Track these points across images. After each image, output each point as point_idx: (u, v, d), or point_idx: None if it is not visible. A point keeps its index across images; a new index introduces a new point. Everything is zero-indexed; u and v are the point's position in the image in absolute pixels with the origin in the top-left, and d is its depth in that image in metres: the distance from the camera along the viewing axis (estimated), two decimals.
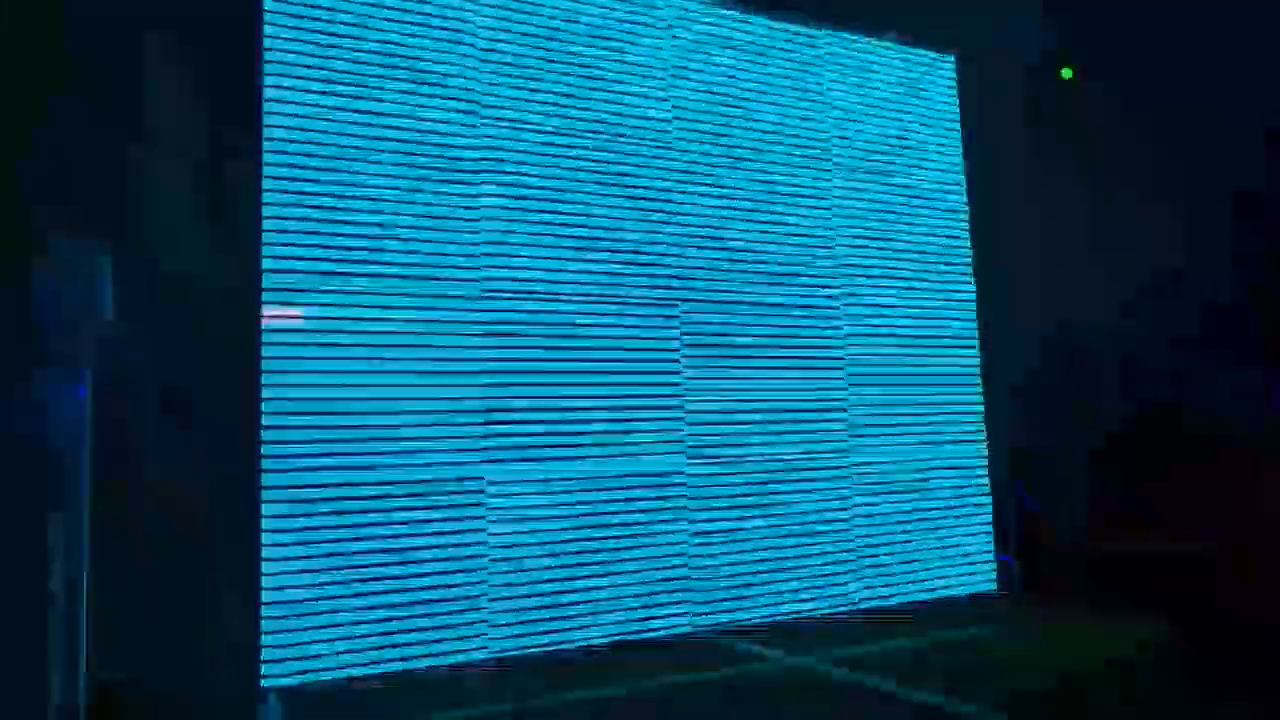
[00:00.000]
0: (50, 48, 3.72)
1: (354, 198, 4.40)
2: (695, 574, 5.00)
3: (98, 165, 3.69)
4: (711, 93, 5.39)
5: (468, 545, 4.44)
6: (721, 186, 5.35)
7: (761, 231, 5.43)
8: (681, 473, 5.03)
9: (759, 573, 5.17)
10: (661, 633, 4.87)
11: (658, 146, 5.19)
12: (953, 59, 6.29)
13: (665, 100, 5.24)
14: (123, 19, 3.85)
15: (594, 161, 5.00)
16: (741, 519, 5.16)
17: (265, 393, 4.13)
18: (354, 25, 4.48)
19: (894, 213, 5.92)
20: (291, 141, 4.30)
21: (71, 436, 3.03)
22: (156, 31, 3.93)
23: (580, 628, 4.66)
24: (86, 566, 2.88)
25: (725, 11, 5.49)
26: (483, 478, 4.52)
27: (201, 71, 4.03)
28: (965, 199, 6.19)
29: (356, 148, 4.43)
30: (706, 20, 5.44)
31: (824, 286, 5.59)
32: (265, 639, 4.01)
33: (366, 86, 4.48)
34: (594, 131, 5.01)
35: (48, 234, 2.99)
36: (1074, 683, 4.02)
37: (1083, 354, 6.30)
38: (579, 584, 4.68)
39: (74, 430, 3.04)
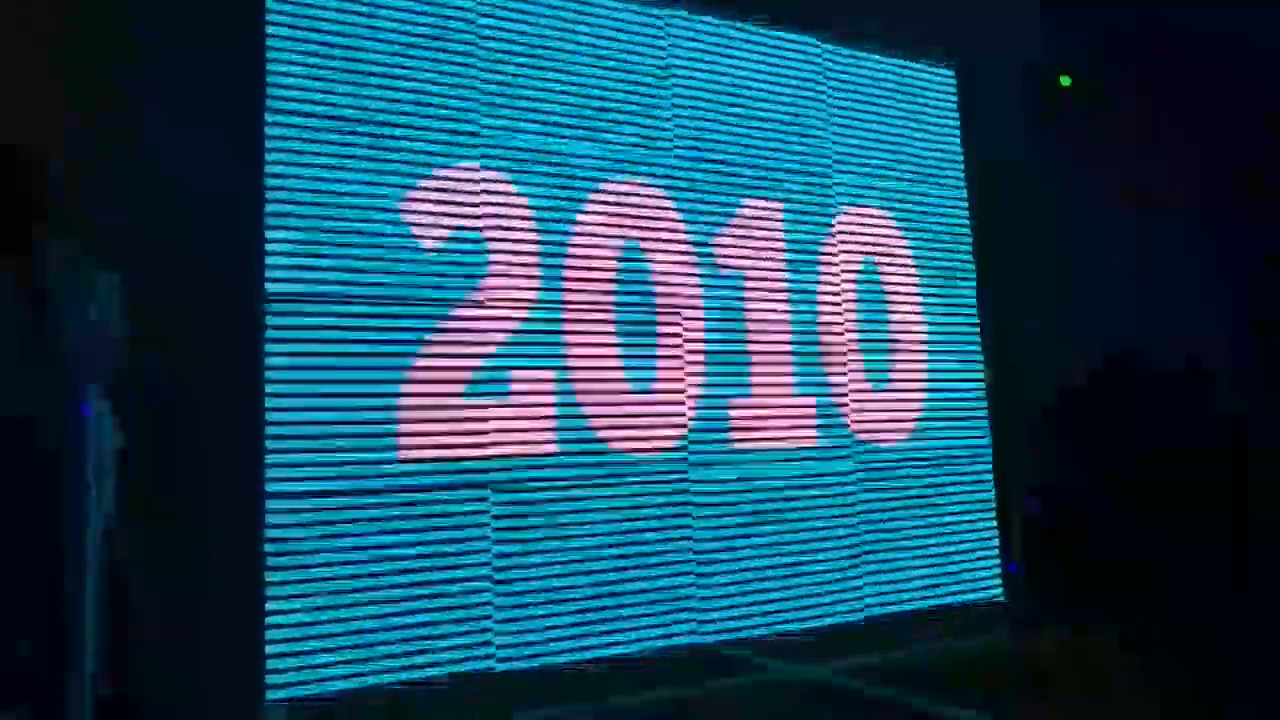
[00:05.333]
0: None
1: (354, 208, 4.39)
2: (699, 585, 4.98)
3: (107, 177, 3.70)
4: (710, 104, 5.40)
5: (473, 561, 4.42)
6: (721, 198, 5.35)
7: (764, 243, 5.43)
8: (685, 487, 5.02)
9: (762, 584, 5.15)
10: (664, 644, 4.84)
11: (655, 159, 5.19)
12: (953, 71, 6.31)
13: (666, 111, 5.25)
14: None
15: (592, 173, 5.00)
16: (746, 528, 5.14)
17: (269, 403, 4.10)
18: (354, 46, 4.49)
19: (897, 224, 5.92)
20: (294, 151, 4.30)
21: (74, 449, 3.01)
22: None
23: (583, 641, 4.63)
24: (91, 579, 2.86)
25: (721, 23, 5.49)
26: (487, 485, 4.51)
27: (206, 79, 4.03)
28: (968, 209, 6.19)
29: (356, 156, 4.42)
30: (703, 31, 5.45)
31: (827, 298, 5.59)
32: (270, 650, 3.98)
33: (366, 95, 4.48)
34: (590, 155, 5.01)
35: (58, 245, 2.97)
36: (1077, 693, 4.00)
37: (1087, 361, 6.31)
38: (583, 596, 4.66)
39: (77, 442, 3.01)
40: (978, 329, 6.10)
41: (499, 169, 4.73)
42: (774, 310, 5.40)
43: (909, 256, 5.94)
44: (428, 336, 4.47)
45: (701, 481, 5.05)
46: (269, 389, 4.11)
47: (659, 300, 5.08)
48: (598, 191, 4.98)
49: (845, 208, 5.74)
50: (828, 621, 5.27)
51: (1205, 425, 6.07)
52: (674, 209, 5.19)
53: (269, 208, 4.21)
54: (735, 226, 5.36)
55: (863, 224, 5.80)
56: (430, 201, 4.55)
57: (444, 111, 4.63)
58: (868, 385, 5.65)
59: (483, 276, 4.63)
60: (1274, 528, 5.69)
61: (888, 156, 5.95)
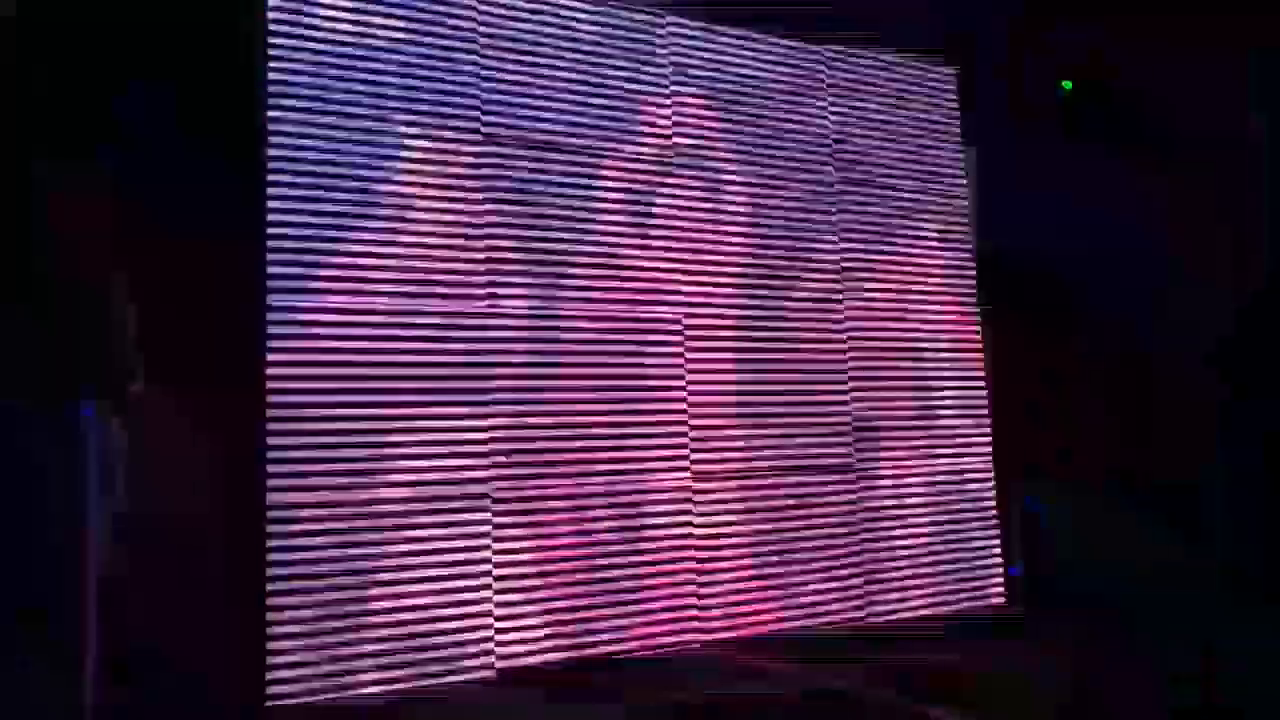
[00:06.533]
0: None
1: (358, 215, 4.38)
2: (701, 587, 4.96)
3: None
4: (709, 103, 5.40)
5: (474, 560, 4.42)
6: (721, 199, 5.34)
7: (763, 252, 5.42)
8: (687, 485, 5.01)
9: (760, 585, 5.13)
10: (664, 648, 4.83)
11: (656, 160, 5.19)
12: (954, 71, 6.31)
13: (667, 110, 5.24)
14: None
15: (593, 178, 5.00)
16: (747, 530, 5.13)
17: (270, 402, 4.10)
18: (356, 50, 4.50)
19: (896, 228, 5.91)
20: (293, 159, 4.30)
21: (73, 452, 3.00)
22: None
23: (583, 643, 4.62)
24: (91, 583, 2.85)
25: (719, 27, 5.48)
26: (487, 495, 4.51)
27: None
28: (968, 209, 6.19)
29: (360, 153, 4.42)
30: (701, 32, 5.44)
31: (826, 298, 5.58)
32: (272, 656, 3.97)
33: (370, 97, 4.48)
34: (591, 148, 5.02)
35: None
36: (1079, 698, 3.98)
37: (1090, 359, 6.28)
38: (583, 599, 4.65)
39: (75, 446, 3.00)
40: (978, 329, 6.10)
41: (498, 168, 4.74)
42: (773, 310, 5.40)
43: (909, 256, 5.94)
44: (433, 339, 4.47)
45: (703, 491, 5.05)
46: (270, 387, 4.11)
47: (661, 299, 5.07)
48: (595, 191, 4.98)
49: (846, 207, 5.73)
50: (827, 625, 5.26)
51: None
52: (672, 209, 5.19)
53: (270, 203, 4.21)
54: (735, 227, 5.35)
55: (863, 223, 5.79)
56: (432, 199, 4.55)
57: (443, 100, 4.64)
58: (868, 385, 5.64)
59: (486, 275, 4.63)
60: None
61: (887, 156, 5.95)
